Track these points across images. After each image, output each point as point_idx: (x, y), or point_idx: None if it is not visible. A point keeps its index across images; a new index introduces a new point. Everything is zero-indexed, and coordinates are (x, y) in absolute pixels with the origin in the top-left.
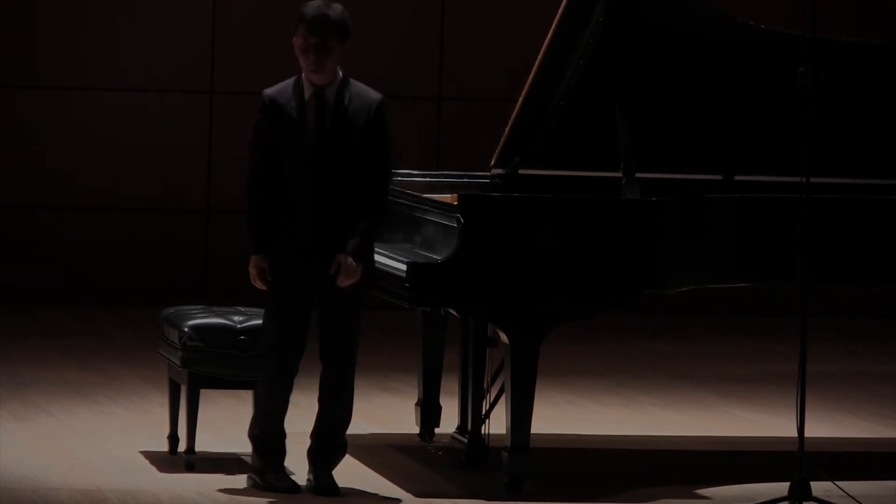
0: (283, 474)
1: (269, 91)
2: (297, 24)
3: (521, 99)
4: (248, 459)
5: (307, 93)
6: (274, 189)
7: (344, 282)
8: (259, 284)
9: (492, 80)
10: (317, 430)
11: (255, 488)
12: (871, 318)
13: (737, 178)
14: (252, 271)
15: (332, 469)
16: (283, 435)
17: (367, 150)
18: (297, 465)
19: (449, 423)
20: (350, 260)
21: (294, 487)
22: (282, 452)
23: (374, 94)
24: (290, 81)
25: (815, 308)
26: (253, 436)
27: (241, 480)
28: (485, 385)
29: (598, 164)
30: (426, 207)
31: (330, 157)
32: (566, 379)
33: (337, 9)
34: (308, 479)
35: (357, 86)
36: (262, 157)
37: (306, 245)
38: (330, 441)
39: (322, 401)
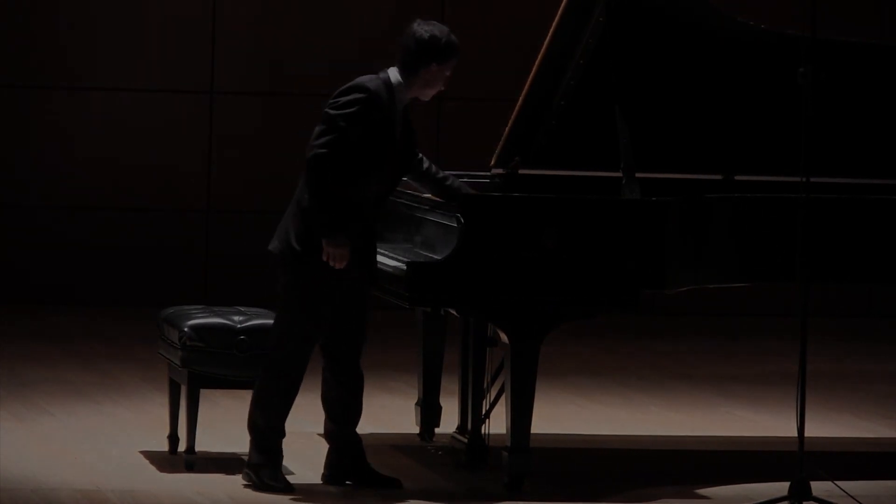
0: (280, 474)
1: (371, 85)
2: (451, 55)
3: (521, 99)
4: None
5: (400, 104)
6: (342, 180)
7: None
8: (342, 263)
9: (492, 80)
10: (346, 440)
11: (248, 485)
12: (871, 318)
13: (737, 178)
14: (340, 251)
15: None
16: (284, 433)
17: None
18: (297, 465)
19: (449, 423)
20: None
21: (289, 487)
22: (281, 451)
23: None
24: (380, 83)
25: (815, 308)
26: (255, 428)
27: (240, 480)
28: (485, 385)
29: (598, 164)
30: (426, 207)
31: (401, 168)
32: (566, 379)
33: None
34: (324, 476)
35: None
36: (349, 145)
37: (360, 244)
38: (358, 446)
39: (347, 401)
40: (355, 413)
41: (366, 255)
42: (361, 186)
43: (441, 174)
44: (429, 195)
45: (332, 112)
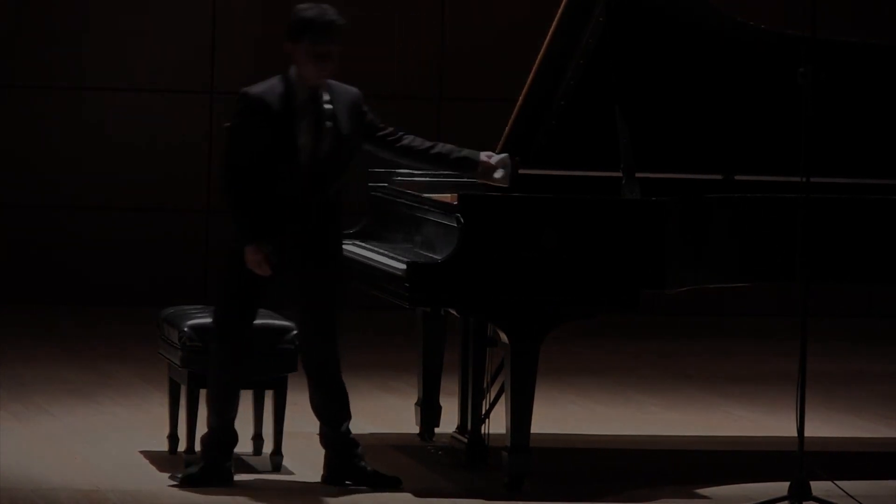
0: (190, 473)
1: (254, 90)
2: (300, 31)
3: (521, 99)
4: (247, 459)
5: (301, 95)
6: (255, 187)
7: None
8: (264, 270)
9: (492, 80)
10: (340, 441)
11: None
12: (871, 318)
13: (737, 178)
14: (256, 258)
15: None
16: (218, 434)
17: (376, 136)
18: (297, 465)
19: (449, 423)
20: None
21: (184, 483)
22: (213, 455)
23: (353, 88)
24: (275, 82)
25: (815, 308)
26: (209, 437)
27: (241, 480)
28: (485, 385)
29: (598, 164)
30: (426, 207)
31: (327, 159)
32: (566, 379)
33: (336, 11)
34: (323, 476)
35: (334, 84)
36: (245, 156)
37: (289, 244)
38: (353, 446)
39: (333, 404)
40: (341, 415)
41: (307, 257)
42: (281, 189)
43: (425, 145)
44: (428, 195)
45: (225, 126)
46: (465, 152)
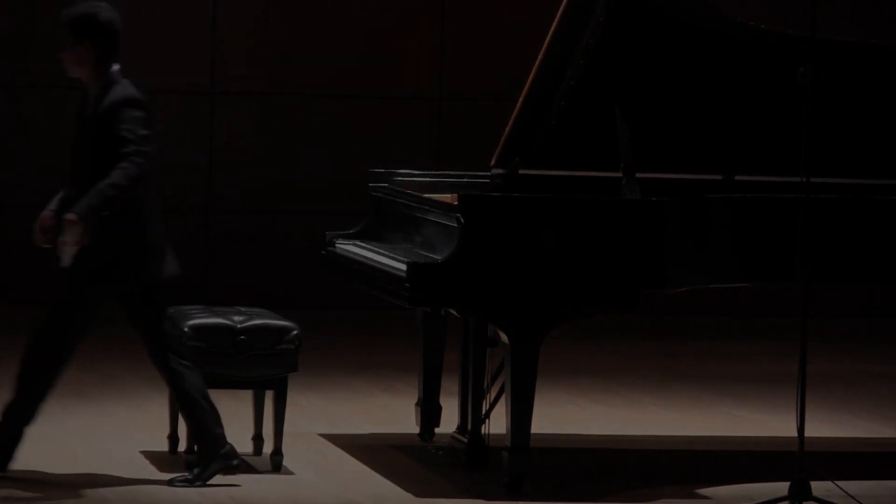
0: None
1: None
2: None
3: (521, 99)
4: (247, 459)
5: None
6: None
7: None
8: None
9: (492, 80)
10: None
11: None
12: (871, 318)
13: (737, 178)
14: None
15: None
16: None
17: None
18: (297, 465)
19: (449, 423)
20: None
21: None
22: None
23: (124, 94)
24: None
25: (815, 308)
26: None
27: (240, 480)
28: (485, 385)
29: (598, 164)
30: (426, 207)
31: (79, 156)
32: (566, 379)
33: (78, 9)
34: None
35: (119, 86)
36: None
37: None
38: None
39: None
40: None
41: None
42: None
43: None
44: (428, 195)
45: None
46: (78, 204)
